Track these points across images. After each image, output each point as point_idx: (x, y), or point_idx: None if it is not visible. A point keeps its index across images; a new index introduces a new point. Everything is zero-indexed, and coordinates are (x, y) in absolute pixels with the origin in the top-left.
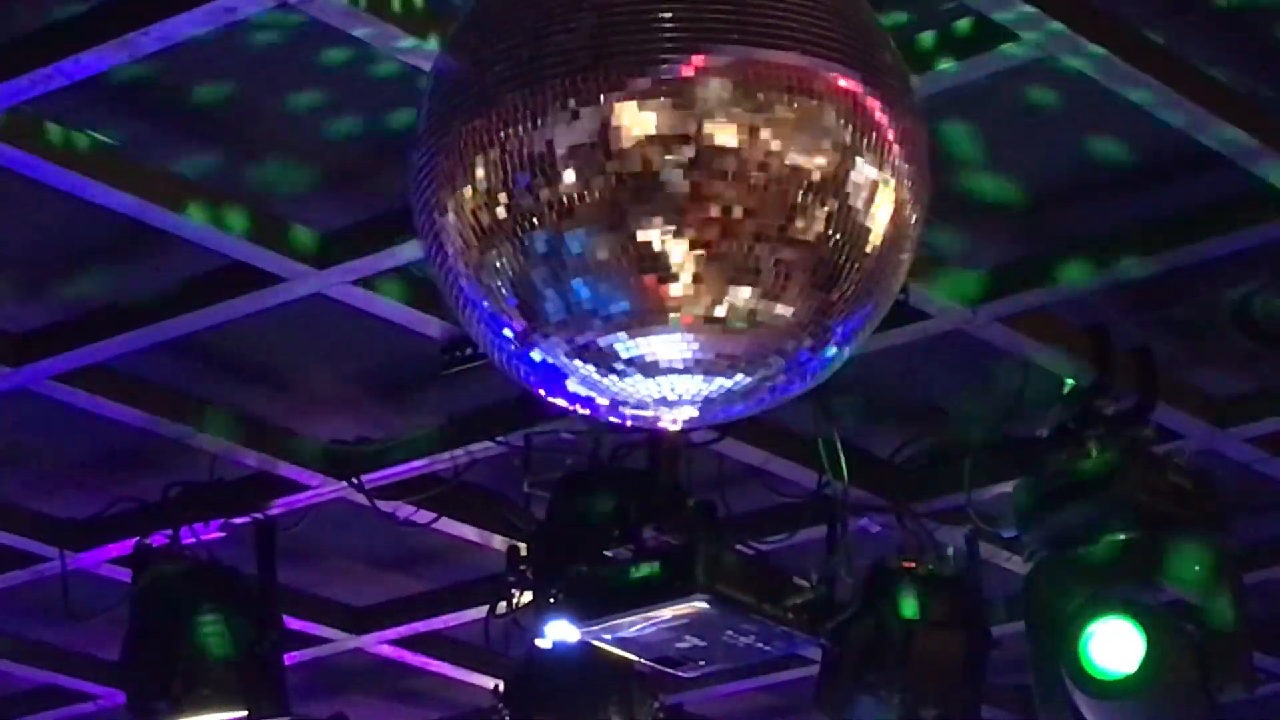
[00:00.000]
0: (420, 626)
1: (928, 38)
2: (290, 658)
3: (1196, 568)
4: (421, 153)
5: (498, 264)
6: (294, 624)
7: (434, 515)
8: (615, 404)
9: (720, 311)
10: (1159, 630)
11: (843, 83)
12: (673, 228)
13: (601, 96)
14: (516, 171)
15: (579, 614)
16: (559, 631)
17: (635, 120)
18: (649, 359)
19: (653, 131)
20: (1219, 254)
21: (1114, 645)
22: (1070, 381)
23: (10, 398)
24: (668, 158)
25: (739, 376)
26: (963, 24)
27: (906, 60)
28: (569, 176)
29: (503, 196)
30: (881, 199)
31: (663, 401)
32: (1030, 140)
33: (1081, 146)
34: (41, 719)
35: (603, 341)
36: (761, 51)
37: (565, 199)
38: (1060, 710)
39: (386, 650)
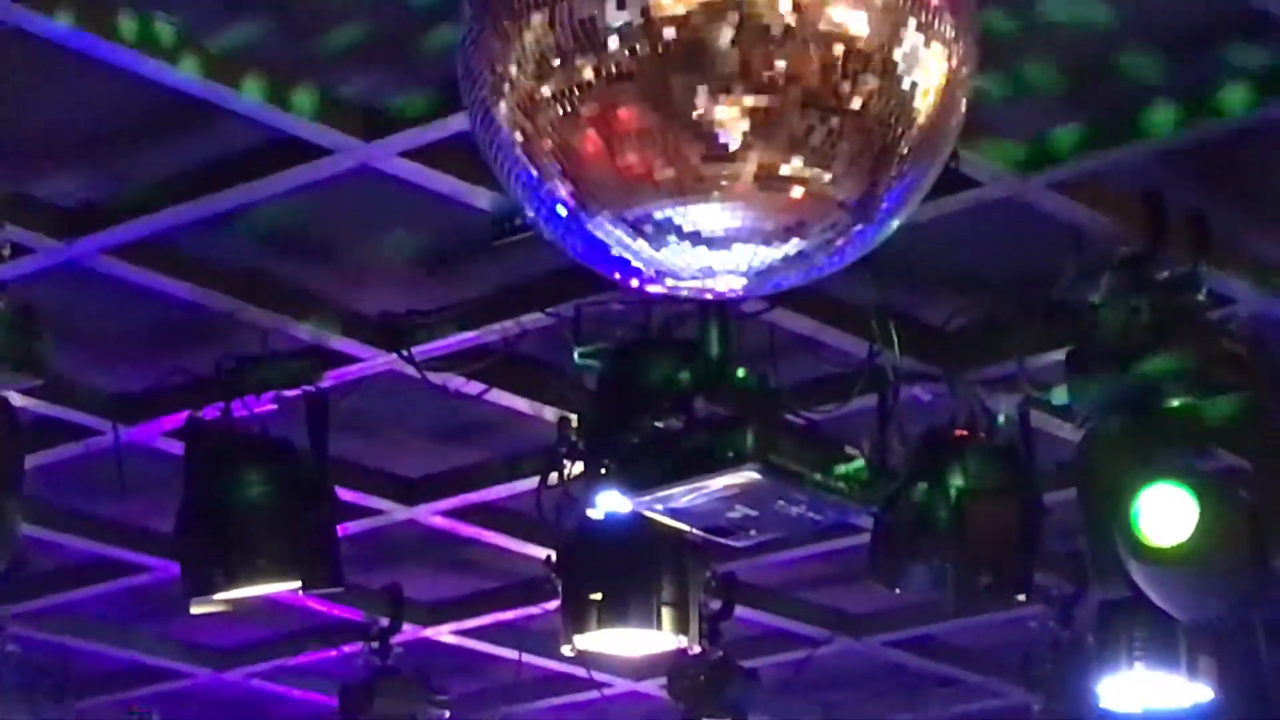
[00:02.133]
0: (472, 498)
1: None
2: (343, 529)
3: (1251, 434)
4: (470, 26)
5: (546, 135)
6: (347, 495)
7: (484, 387)
8: (664, 274)
9: (769, 180)
10: (1212, 497)
11: None
12: (721, 96)
13: None
14: (564, 42)
15: (630, 485)
16: (610, 502)
17: None
18: (697, 228)
19: None
20: (1271, 118)
21: (1167, 512)
22: (1123, 248)
23: (62, 273)
24: (714, 25)
25: (788, 246)
26: None
27: None
28: (616, 45)
29: (551, 67)
30: (929, 66)
31: (712, 271)
32: (1078, 5)
33: (1132, 10)
34: (96, 591)
35: (651, 211)
36: None
37: (612, 68)
38: (1113, 577)
39: (439, 521)
